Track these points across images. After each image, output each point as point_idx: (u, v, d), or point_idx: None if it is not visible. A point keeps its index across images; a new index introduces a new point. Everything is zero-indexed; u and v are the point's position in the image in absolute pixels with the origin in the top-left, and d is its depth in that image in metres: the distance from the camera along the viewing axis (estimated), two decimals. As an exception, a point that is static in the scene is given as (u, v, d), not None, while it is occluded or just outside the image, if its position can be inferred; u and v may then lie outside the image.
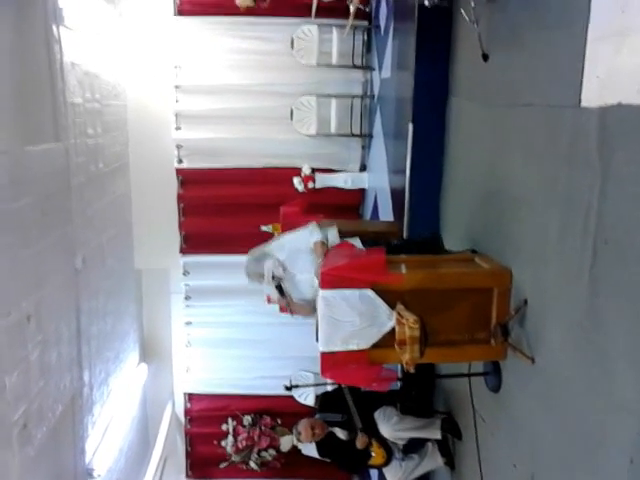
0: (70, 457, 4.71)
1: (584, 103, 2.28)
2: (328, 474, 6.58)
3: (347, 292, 2.97)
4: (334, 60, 6.30)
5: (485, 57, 3.31)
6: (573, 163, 2.36)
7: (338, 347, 3.01)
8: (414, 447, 4.27)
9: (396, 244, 3.70)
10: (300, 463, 6.11)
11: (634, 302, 2.00)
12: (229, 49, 6.53)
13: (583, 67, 2.27)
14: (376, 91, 6.26)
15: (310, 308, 3.57)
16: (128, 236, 6.64)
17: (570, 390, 2.42)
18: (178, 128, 6.63)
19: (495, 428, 3.28)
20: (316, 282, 3.17)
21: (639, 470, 1.96)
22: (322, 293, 2.99)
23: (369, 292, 2.96)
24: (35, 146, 4.10)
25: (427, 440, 4.21)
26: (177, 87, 6.56)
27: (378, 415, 4.18)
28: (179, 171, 6.71)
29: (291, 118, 6.43)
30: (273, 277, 3.62)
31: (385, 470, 4.32)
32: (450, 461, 4.07)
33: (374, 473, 5.94)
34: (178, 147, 6.66)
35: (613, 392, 2.12)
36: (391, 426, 4.11)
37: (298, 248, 3.66)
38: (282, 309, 4.79)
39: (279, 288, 3.62)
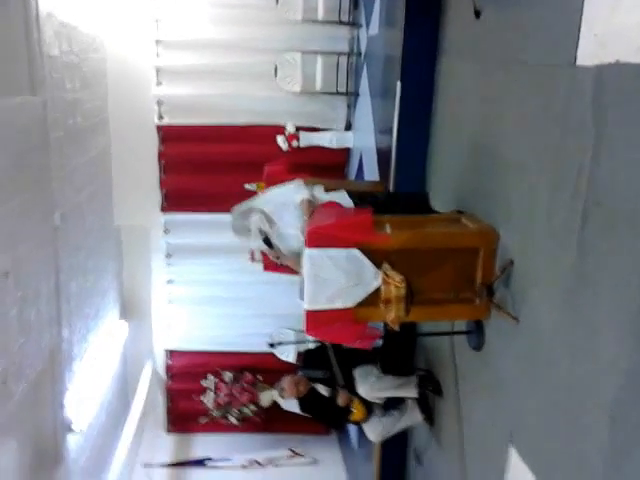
0: (50, 412, 4.71)
1: (580, 62, 2.25)
2: (307, 429, 6.69)
3: (333, 251, 2.96)
4: (320, 16, 6.14)
5: (477, 14, 3.25)
6: (566, 123, 2.35)
7: (323, 305, 3.02)
8: (394, 403, 4.34)
9: (383, 199, 3.68)
10: (280, 418, 6.19)
11: (622, 264, 2.02)
12: (211, 3, 6.33)
13: (580, 24, 2.23)
14: (363, 48, 6.14)
15: (299, 259, 3.57)
16: (108, 193, 6.53)
17: (553, 349, 2.46)
18: (159, 83, 6.46)
19: (476, 386, 3.34)
20: (302, 238, 3.15)
21: (619, 427, 2.01)
22: (308, 252, 2.98)
23: (356, 251, 2.96)
24: (10, 99, 3.97)
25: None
26: (158, 41, 6.36)
27: (357, 374, 4.23)
28: (160, 127, 6.56)
29: (275, 75, 6.29)
30: (260, 231, 3.59)
31: (365, 426, 4.40)
32: (429, 417, 4.15)
33: (353, 428, 6.07)
34: (159, 103, 6.50)
35: (596, 351, 2.15)
36: (368, 386, 4.17)
37: (284, 203, 3.63)
38: (266, 267, 4.78)
39: (267, 241, 3.59)
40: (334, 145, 6.45)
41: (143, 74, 6.41)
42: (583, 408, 2.23)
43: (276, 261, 3.72)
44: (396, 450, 4.72)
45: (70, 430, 4.94)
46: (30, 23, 4.27)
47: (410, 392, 4.16)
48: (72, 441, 5.05)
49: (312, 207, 3.47)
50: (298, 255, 3.59)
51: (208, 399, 6.78)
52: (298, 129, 6.35)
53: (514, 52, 2.88)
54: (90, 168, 5.72)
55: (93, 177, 5.85)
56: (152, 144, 6.58)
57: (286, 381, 4.30)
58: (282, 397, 4.40)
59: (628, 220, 1.98)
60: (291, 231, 3.59)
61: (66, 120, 5.02)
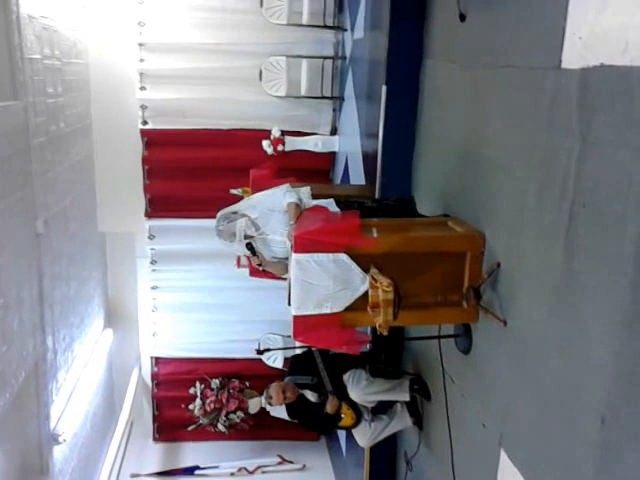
0: (35, 423, 4.64)
1: (565, 64, 2.25)
2: (296, 435, 6.65)
3: (321, 256, 2.94)
4: (305, 19, 6.12)
5: (462, 17, 3.25)
6: (552, 125, 2.35)
7: (311, 311, 3.00)
8: (383, 408, 4.32)
9: (370, 205, 3.67)
10: (268, 425, 6.15)
11: (610, 265, 2.02)
12: (196, 6, 6.29)
13: (565, 27, 2.23)
14: (348, 52, 6.14)
15: (282, 266, 3.54)
16: (91, 199, 6.47)
17: (542, 351, 2.46)
18: (143, 88, 6.41)
19: (465, 389, 3.33)
20: (288, 243, 3.12)
21: (610, 429, 2.01)
22: (296, 257, 2.96)
23: (343, 256, 2.94)
24: (-10, 103, 3.92)
25: (396, 401, 4.26)
26: (141, 45, 6.31)
27: (347, 378, 4.21)
28: (144, 132, 6.50)
29: (260, 79, 6.27)
30: (245, 236, 3.54)
31: (354, 431, 4.37)
32: (419, 421, 4.14)
33: (342, 433, 6.04)
34: (143, 108, 6.44)
35: (586, 353, 2.15)
36: (360, 390, 4.15)
37: (270, 208, 3.58)
38: (252, 273, 4.75)
39: (250, 247, 3.54)
40: (319, 149, 6.44)
41: (126, 78, 6.36)
42: (573, 409, 2.23)
43: (258, 268, 3.68)
44: (385, 455, 4.70)
45: (56, 441, 4.86)
46: (11, 26, 4.23)
47: (402, 396, 4.15)
48: (58, 452, 4.97)
49: (299, 211, 3.43)
50: (281, 261, 3.56)
51: (195, 407, 6.72)
52: (283, 133, 6.33)
53: (499, 55, 2.88)
54: (73, 174, 5.65)
55: (76, 183, 5.78)
56: (136, 149, 6.52)
57: (273, 388, 4.25)
58: (270, 404, 4.36)
59: (614, 221, 1.98)
60: (277, 237, 3.56)
61: (48, 125, 4.96)
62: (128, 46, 6.30)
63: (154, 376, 7.14)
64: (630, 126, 1.90)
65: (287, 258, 3.42)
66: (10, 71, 4.26)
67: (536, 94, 2.46)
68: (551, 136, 2.35)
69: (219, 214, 3.71)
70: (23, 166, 4.39)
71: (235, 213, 3.64)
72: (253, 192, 4.95)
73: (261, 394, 4.70)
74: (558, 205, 2.29)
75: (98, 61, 6.27)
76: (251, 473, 6.61)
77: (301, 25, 6.16)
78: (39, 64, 4.76)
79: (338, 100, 6.43)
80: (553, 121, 2.34)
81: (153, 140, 6.53)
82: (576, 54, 2.17)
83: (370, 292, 2.88)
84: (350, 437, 4.95)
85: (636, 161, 1.87)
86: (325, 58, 6.34)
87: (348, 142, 5.95)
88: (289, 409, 4.41)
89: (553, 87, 2.33)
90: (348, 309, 3.01)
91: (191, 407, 6.74)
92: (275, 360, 6.34)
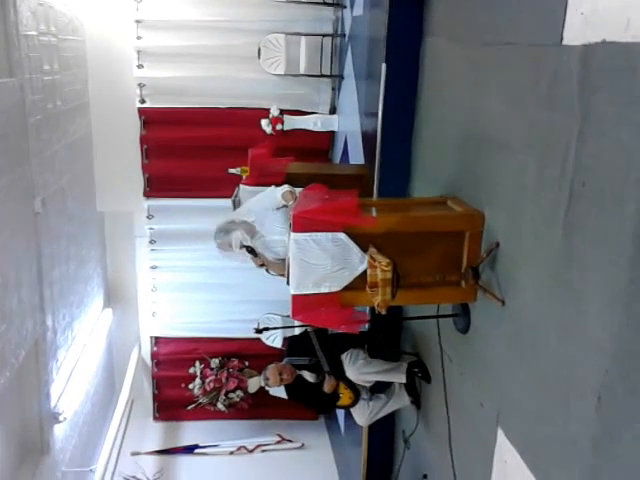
0: (35, 401, 4.67)
1: (566, 41, 2.22)
2: (295, 414, 6.71)
3: (319, 235, 2.93)
4: (303, -4, 6.06)
5: (463, -7, 3.21)
6: (553, 103, 2.32)
7: (309, 290, 3.00)
8: (381, 387, 4.35)
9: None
10: (268, 404, 6.19)
11: (609, 244, 2.01)
12: (193, -18, 6.22)
13: (566, 3, 2.20)
14: (347, 30, 6.06)
15: (285, 265, 3.56)
16: (89, 179, 6.44)
17: (540, 330, 2.46)
18: (140, 66, 6.34)
19: (463, 368, 3.34)
20: (287, 239, 3.15)
21: (606, 407, 2.01)
22: (294, 236, 2.95)
23: (342, 235, 2.93)
24: (-13, 80, 3.88)
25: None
26: (138, 22, 6.23)
27: (345, 358, 4.22)
28: (142, 111, 6.45)
29: (259, 57, 6.20)
30: (242, 246, 3.60)
31: (352, 410, 4.41)
32: (417, 400, 4.16)
33: (341, 412, 6.09)
34: (140, 86, 6.39)
35: (584, 332, 2.15)
36: (357, 369, 4.17)
37: (265, 208, 3.66)
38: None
39: (250, 250, 3.59)
40: (318, 128, 6.38)
41: (124, 56, 6.29)
42: (570, 389, 2.23)
43: (261, 268, 3.73)
44: (383, 434, 4.74)
45: (56, 419, 4.90)
46: (6, 2, 4.17)
47: (399, 377, 4.16)
48: (58, 430, 5.01)
49: (294, 195, 3.47)
50: (284, 261, 3.58)
51: (195, 386, 6.76)
52: (282, 112, 6.27)
53: (500, 32, 2.84)
54: (71, 153, 5.62)
55: (74, 162, 5.75)
56: (134, 128, 6.48)
57: (270, 370, 4.28)
58: (267, 386, 4.39)
59: (614, 200, 1.97)
60: (275, 237, 3.60)
61: (45, 103, 4.92)
62: (125, 23, 6.22)
63: (154, 355, 7.17)
64: (631, 103, 1.87)
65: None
66: (6, 48, 4.22)
67: (537, 71, 2.43)
68: (551, 114, 2.33)
69: (216, 227, 3.77)
70: (20, 144, 4.36)
71: (231, 222, 3.70)
72: (251, 171, 4.95)
73: (260, 374, 4.74)
74: (558, 184, 2.27)
75: (95, 38, 6.21)
76: (250, 452, 6.66)
77: (300, 2, 6.09)
78: (35, 41, 4.71)
79: (337, 78, 6.37)
80: (553, 98, 2.32)
81: (151, 119, 6.48)
82: (577, 30, 2.14)
83: (369, 271, 2.87)
84: (349, 416, 4.98)
85: (636, 139, 1.85)
86: (324, 36, 6.27)
87: (347, 121, 5.90)
88: (288, 389, 4.44)
89: (554, 64, 2.30)
90: (347, 288, 3.01)
91: (191, 386, 6.78)
92: (274, 339, 6.34)
